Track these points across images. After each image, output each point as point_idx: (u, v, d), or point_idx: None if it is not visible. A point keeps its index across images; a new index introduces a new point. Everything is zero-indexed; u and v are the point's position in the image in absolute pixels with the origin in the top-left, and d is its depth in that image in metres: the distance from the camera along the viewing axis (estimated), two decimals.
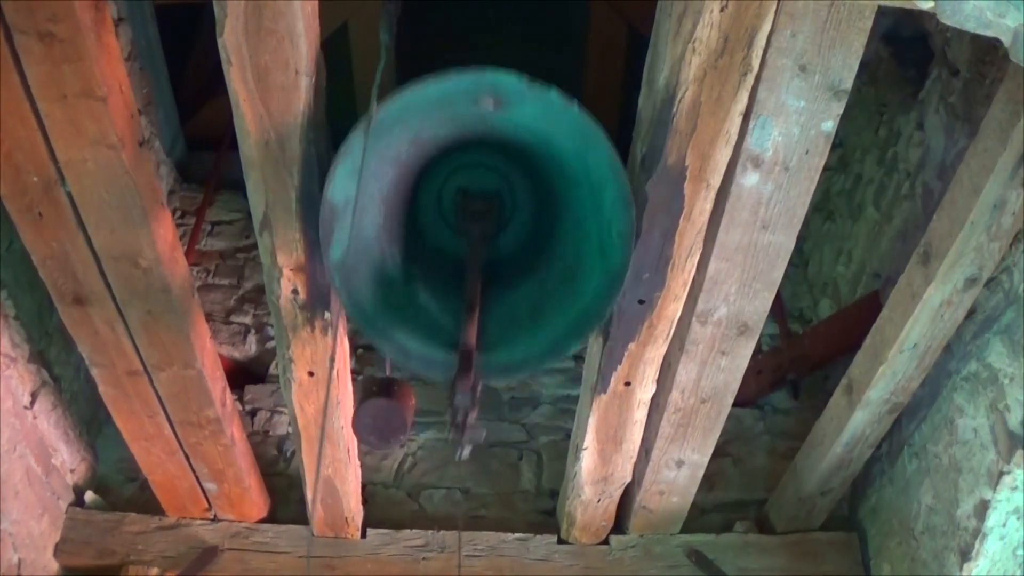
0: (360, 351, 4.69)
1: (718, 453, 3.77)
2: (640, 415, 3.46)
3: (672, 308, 3.03)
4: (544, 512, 4.32)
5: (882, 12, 2.36)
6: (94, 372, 3.41)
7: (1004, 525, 3.18)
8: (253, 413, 4.60)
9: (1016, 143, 2.62)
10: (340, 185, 2.54)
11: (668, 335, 3.14)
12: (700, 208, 2.73)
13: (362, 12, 5.34)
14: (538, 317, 2.97)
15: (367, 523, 4.10)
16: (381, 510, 4.26)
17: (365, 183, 2.57)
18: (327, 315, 3.04)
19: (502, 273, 3.07)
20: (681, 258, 2.86)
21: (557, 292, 2.95)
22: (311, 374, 3.27)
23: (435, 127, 2.65)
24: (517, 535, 4.13)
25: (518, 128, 2.60)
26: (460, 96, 2.46)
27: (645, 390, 3.35)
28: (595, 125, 2.47)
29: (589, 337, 3.12)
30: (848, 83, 2.46)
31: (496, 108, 2.47)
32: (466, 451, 2.56)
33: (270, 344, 4.80)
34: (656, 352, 3.20)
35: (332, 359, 3.17)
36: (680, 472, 3.74)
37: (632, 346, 3.15)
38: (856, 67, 2.44)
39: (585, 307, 2.87)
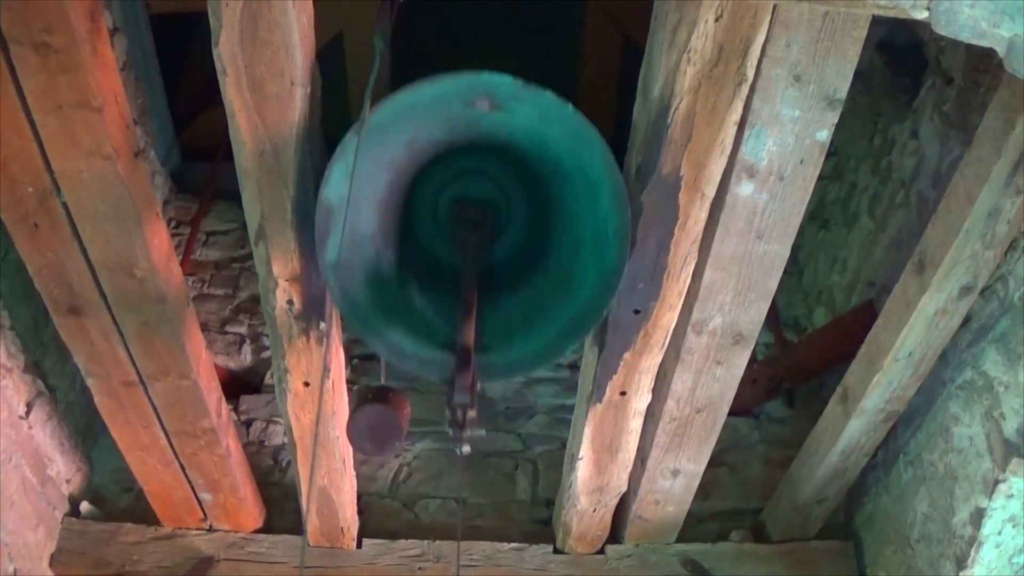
0: (355, 361, 4.69)
1: (713, 462, 3.77)
2: (635, 424, 3.46)
3: (667, 317, 3.03)
4: (540, 522, 4.31)
5: (876, 21, 2.36)
6: (89, 382, 3.40)
7: (1000, 533, 3.18)
8: (248, 423, 4.59)
9: (1010, 151, 2.63)
10: (335, 185, 2.54)
11: (663, 344, 3.14)
12: (695, 218, 2.73)
13: (357, 22, 5.35)
14: (533, 321, 2.96)
15: (363, 533, 4.10)
16: (377, 520, 4.26)
17: (361, 186, 2.57)
18: (322, 325, 3.04)
19: (497, 280, 3.06)
20: (676, 268, 2.86)
21: (553, 296, 2.93)
22: (306, 384, 3.27)
23: (430, 130, 2.65)
24: (513, 545, 4.13)
25: (513, 130, 2.60)
26: (455, 98, 2.46)
27: (640, 399, 3.35)
28: (589, 125, 2.47)
29: (585, 337, 3.11)
30: (843, 92, 2.47)
31: (491, 110, 2.47)
32: (466, 448, 2.53)
33: (265, 354, 4.80)
34: (651, 361, 3.20)
35: (327, 369, 3.17)
36: (676, 481, 3.74)
37: (627, 355, 3.15)
38: (850, 76, 2.44)
39: (581, 307, 2.85)
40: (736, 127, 2.53)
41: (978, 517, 3.18)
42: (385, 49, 2.73)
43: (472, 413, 2.51)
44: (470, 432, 2.51)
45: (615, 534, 4.11)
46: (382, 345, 2.93)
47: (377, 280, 2.87)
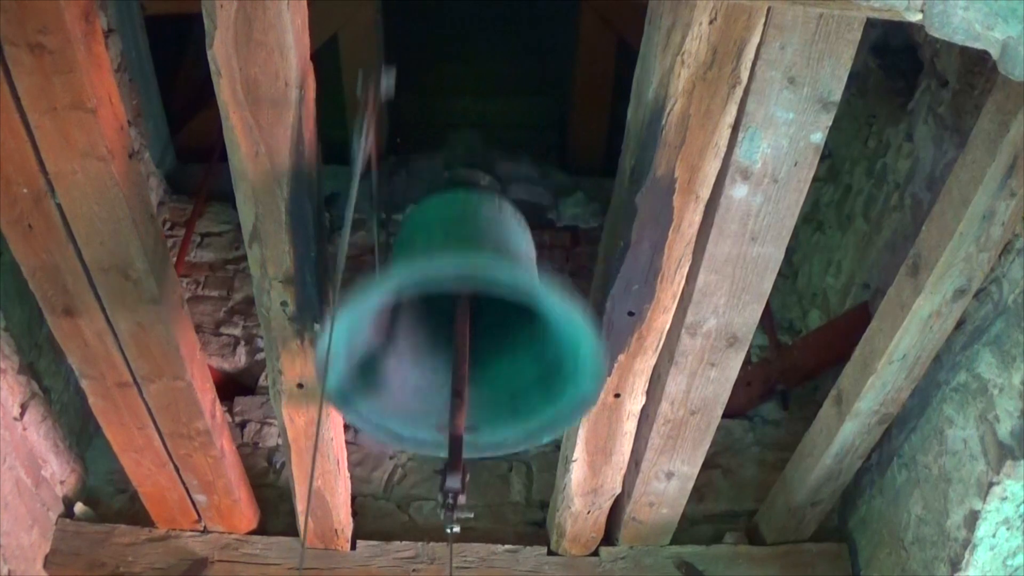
0: None
1: (708, 464, 3.77)
2: (630, 427, 3.46)
3: (661, 320, 3.03)
4: (534, 523, 4.31)
5: (871, 23, 2.37)
6: (84, 384, 3.40)
7: (994, 535, 3.18)
8: (243, 425, 4.59)
9: (1005, 154, 2.63)
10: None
11: (657, 347, 3.14)
12: (689, 220, 2.73)
13: (352, 24, 5.35)
14: (518, 406, 3.00)
15: (357, 535, 4.10)
16: (371, 522, 4.26)
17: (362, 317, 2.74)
18: (316, 327, 3.04)
19: (486, 351, 3.07)
20: (670, 270, 2.86)
21: (536, 387, 2.98)
22: (300, 386, 3.27)
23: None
24: (507, 547, 4.13)
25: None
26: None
27: (635, 402, 3.35)
28: (577, 311, 2.58)
29: (560, 433, 3.27)
30: (837, 95, 2.47)
31: None
32: (456, 528, 2.68)
33: (260, 356, 4.80)
34: (645, 364, 3.20)
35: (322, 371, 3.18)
36: (670, 483, 3.74)
37: (622, 358, 3.15)
38: (845, 79, 2.44)
39: (559, 411, 2.92)
40: (730, 129, 2.53)
41: (972, 519, 3.18)
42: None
43: (462, 498, 2.64)
44: (460, 514, 2.65)
45: (609, 536, 4.12)
46: (381, 434, 3.00)
47: (374, 377, 2.95)
